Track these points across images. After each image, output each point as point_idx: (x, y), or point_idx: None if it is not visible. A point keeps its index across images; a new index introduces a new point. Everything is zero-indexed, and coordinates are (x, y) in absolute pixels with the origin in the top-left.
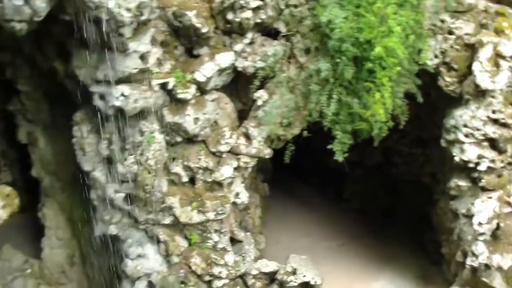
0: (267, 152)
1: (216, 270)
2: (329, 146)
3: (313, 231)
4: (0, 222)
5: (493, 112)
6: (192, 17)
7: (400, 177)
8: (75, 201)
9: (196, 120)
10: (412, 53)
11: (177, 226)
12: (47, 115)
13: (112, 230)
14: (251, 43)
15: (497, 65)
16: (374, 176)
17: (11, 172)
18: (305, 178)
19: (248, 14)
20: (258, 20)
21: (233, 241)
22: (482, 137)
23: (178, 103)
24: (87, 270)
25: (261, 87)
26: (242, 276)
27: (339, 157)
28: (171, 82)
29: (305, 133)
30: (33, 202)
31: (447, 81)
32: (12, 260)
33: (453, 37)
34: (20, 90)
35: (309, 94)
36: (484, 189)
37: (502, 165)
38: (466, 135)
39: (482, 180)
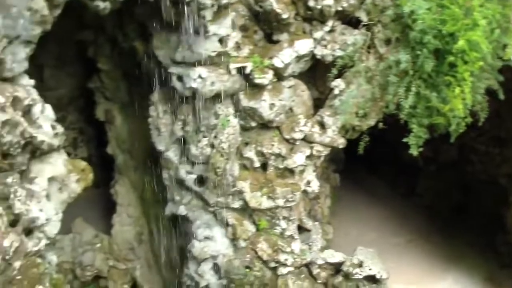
0: (341, 142)
1: (282, 257)
2: (404, 140)
3: (381, 226)
4: (74, 195)
5: None
6: (273, 2)
7: (474, 175)
8: (147, 180)
9: (272, 106)
10: (496, 48)
11: (246, 210)
12: (125, 94)
13: (182, 210)
14: (331, 31)
15: None
16: (447, 173)
17: (87, 148)
18: (377, 171)
19: (329, 1)
20: (339, 8)
21: (301, 229)
22: None
23: (254, 88)
24: (154, 249)
25: (338, 76)
26: (308, 265)
27: (414, 151)
28: (249, 66)
29: (381, 125)
30: (106, 179)
31: None
32: (83, 234)
33: None
34: (100, 68)
35: (387, 86)
36: None
37: None
38: None
39: None
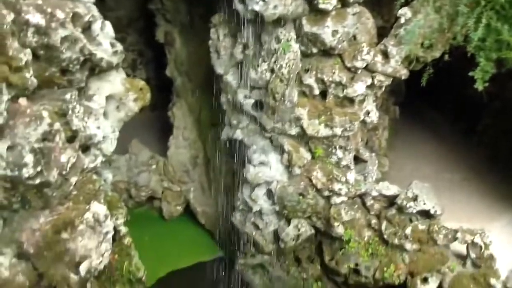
0: (404, 73)
1: (336, 187)
2: (470, 73)
3: (438, 161)
4: (131, 114)
5: None
6: None
7: None
8: (204, 104)
9: (335, 32)
10: None
11: (303, 138)
12: (185, 16)
13: (238, 135)
14: None
15: None
16: None
17: (146, 70)
18: (438, 105)
19: None
20: None
21: (357, 160)
22: None
23: (318, 14)
24: (209, 172)
25: (405, 4)
26: (361, 196)
27: (480, 86)
28: None
29: (446, 57)
30: (163, 101)
31: None
32: (139, 155)
33: None
34: None
35: (456, 16)
36: None
37: None
38: None
39: None
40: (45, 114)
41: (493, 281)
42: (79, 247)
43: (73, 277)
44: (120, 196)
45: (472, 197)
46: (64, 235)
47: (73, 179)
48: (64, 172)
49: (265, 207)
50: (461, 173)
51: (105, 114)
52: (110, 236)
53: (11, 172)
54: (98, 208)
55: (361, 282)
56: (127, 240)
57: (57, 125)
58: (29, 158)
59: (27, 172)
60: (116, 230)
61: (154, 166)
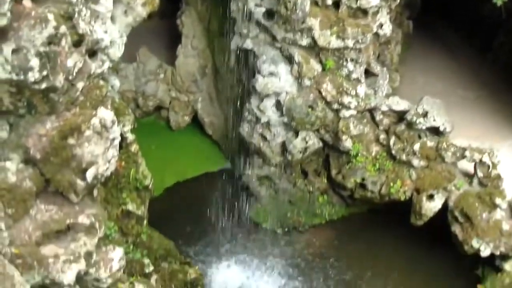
0: None
1: (346, 100)
2: None
3: (450, 78)
4: (139, 19)
5: None
6: None
7: None
8: (214, 12)
9: None
10: None
11: (314, 49)
12: None
13: (248, 44)
14: None
15: None
16: None
17: None
18: (454, 22)
19: None
20: None
21: (368, 73)
22: None
23: None
24: (217, 82)
25: None
26: (371, 111)
27: (499, 1)
28: None
29: None
30: (172, 9)
31: None
32: (147, 63)
33: None
34: None
35: None
36: None
37: None
38: None
39: None
40: (50, 16)
41: (498, 200)
42: (86, 153)
43: (80, 183)
44: (128, 105)
45: (484, 115)
46: (71, 140)
47: (80, 84)
48: (70, 77)
49: (273, 118)
50: (474, 90)
51: (112, 19)
52: (117, 142)
53: (17, 76)
54: (105, 113)
55: (367, 197)
56: (134, 148)
57: (63, 28)
58: (34, 62)
59: (32, 76)
60: (123, 137)
61: (162, 75)
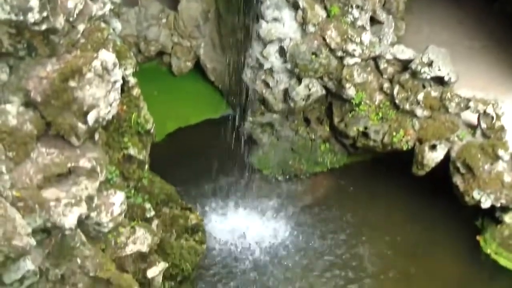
0: None
1: (350, 47)
2: None
3: (457, 27)
4: None
5: None
6: None
7: None
8: None
9: None
10: None
11: None
12: None
13: None
14: None
15: None
16: None
17: None
18: None
19: None
20: None
21: (373, 21)
22: None
23: None
24: (220, 28)
25: None
26: (375, 59)
27: None
28: None
29: None
30: None
31: None
32: (149, 8)
33: None
34: None
35: None
36: None
37: None
38: None
39: None
40: None
41: (501, 152)
42: (87, 95)
43: (81, 126)
44: (129, 50)
45: (489, 66)
46: (72, 83)
47: (81, 27)
48: (71, 19)
49: (276, 64)
50: (480, 40)
51: None
52: (118, 85)
53: (16, 16)
54: (107, 56)
55: (369, 146)
56: (136, 91)
57: None
58: (34, 2)
59: (32, 17)
60: (124, 80)
61: (164, 20)
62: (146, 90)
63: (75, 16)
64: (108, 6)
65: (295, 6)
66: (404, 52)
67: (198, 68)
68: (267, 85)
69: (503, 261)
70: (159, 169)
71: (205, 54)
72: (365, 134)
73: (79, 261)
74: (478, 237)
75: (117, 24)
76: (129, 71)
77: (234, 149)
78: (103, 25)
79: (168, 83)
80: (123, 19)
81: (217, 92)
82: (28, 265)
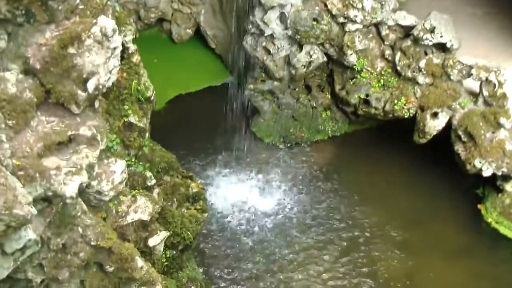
0: None
1: (352, 13)
2: None
3: None
4: None
5: None
6: None
7: None
8: None
9: None
10: None
11: None
12: None
13: None
14: None
15: None
16: None
17: None
18: None
19: None
20: None
21: None
22: None
23: None
24: None
25: None
26: (377, 25)
27: None
28: None
29: None
30: None
31: None
32: None
33: None
34: None
35: None
36: None
37: None
38: None
39: None
40: None
41: (503, 120)
42: (87, 62)
43: (81, 93)
44: (129, 16)
45: (492, 32)
46: (71, 50)
47: None
48: None
49: (277, 31)
50: (482, 7)
51: None
52: (118, 52)
53: None
54: (106, 22)
55: (371, 113)
56: (136, 58)
57: None
58: None
59: None
60: (124, 47)
61: None
62: (146, 57)
63: None
64: None
65: None
66: (406, 18)
67: (199, 35)
68: (268, 52)
69: (503, 230)
70: (160, 137)
71: (205, 21)
72: (366, 102)
73: (80, 230)
74: (479, 206)
75: None
76: (129, 37)
77: (235, 117)
78: None
79: (168, 51)
80: None
81: (218, 59)
82: (29, 234)
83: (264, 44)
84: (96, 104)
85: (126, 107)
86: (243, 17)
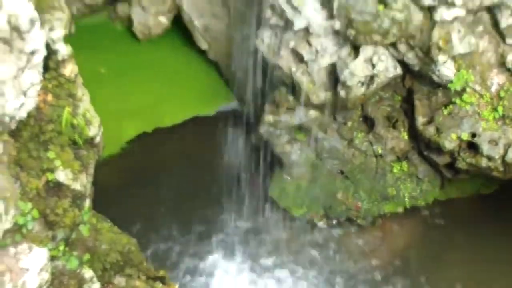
0: None
1: None
2: None
3: None
4: None
5: None
6: None
7: None
8: None
9: None
10: None
11: None
12: None
13: None
14: None
15: None
16: None
17: None
18: None
19: None
20: None
21: None
22: None
23: None
24: None
25: None
26: (491, 9)
27: None
28: None
29: None
30: None
31: None
32: None
33: None
34: None
35: None
36: None
37: None
38: None
39: None
40: None
41: None
42: None
43: None
44: None
45: None
46: None
47: None
48: None
49: (315, 21)
50: None
51: None
52: (39, 59)
53: None
54: (18, 5)
55: (480, 166)
56: (70, 69)
57: None
58: None
59: None
60: (50, 49)
61: None
62: (88, 66)
63: None
64: None
65: None
66: None
67: (179, 26)
68: (299, 58)
69: None
70: (110, 205)
71: (191, 2)
72: (472, 146)
73: None
74: None
75: None
76: (58, 33)
77: (240, 172)
78: None
79: (127, 53)
80: None
81: (213, 70)
82: None
83: (292, 44)
84: None
85: (51, 154)
86: None
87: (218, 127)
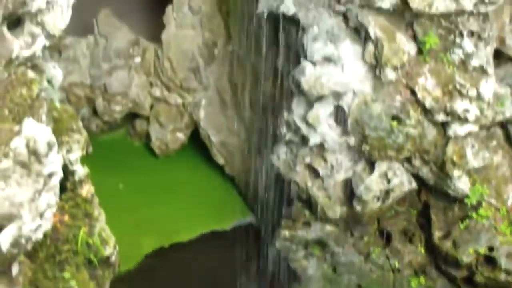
0: None
1: (459, 106)
2: None
3: None
4: None
5: None
6: None
7: None
8: None
9: None
10: None
11: (403, 15)
12: None
13: (288, 7)
14: None
15: None
16: None
17: None
18: None
19: None
20: None
21: (500, 58)
22: None
23: None
24: (233, 73)
25: None
26: (505, 124)
27: None
28: None
29: None
30: None
31: None
32: (113, 38)
33: None
34: None
35: None
36: None
37: None
38: None
39: None
40: None
41: None
42: (1, 199)
43: None
44: (77, 110)
45: None
46: None
47: None
48: None
49: (330, 138)
50: None
51: None
52: (56, 181)
53: None
54: (36, 130)
55: (499, 281)
56: (86, 190)
57: None
58: None
59: None
60: (67, 171)
61: (137, 59)
62: (105, 182)
63: None
64: (41, 40)
65: (362, 36)
66: None
67: (196, 142)
68: (315, 173)
69: None
70: None
71: (208, 118)
72: (489, 260)
73: None
74: None
75: (56, 72)
76: (75, 154)
77: (257, 287)
78: (31, 74)
79: (144, 168)
80: (68, 57)
81: (228, 184)
82: None
83: (308, 160)
84: (15, 269)
85: (67, 274)
86: (272, 114)
87: (234, 242)
